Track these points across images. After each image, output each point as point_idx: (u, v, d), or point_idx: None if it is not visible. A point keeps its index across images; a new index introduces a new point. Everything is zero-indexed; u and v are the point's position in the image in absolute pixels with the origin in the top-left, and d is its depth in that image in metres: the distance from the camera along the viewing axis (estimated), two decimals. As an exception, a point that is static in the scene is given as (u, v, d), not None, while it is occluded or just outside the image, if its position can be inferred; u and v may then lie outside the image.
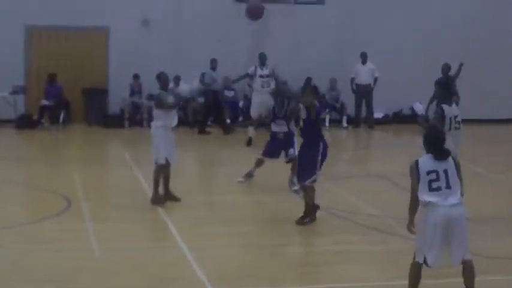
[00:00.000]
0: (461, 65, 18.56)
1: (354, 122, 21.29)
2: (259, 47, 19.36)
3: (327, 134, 11.31)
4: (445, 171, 7.83)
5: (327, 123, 20.64)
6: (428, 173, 7.82)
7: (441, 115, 11.46)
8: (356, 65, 21.11)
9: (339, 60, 21.16)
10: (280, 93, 13.55)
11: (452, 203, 7.78)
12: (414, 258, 7.97)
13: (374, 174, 14.82)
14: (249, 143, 17.54)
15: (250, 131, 17.70)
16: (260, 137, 16.03)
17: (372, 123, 21.16)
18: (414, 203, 7.93)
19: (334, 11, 21.29)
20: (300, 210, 11.12)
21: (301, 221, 11.07)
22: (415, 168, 7.88)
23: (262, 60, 18.19)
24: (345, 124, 21.20)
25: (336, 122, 21.15)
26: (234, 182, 13.46)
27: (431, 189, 7.81)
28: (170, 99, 11.85)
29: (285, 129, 13.14)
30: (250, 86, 18.86)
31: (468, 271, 7.96)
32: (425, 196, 7.81)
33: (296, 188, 12.40)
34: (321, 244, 10.56)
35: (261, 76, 17.97)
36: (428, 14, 21.65)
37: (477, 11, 21.85)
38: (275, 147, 13.33)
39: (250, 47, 20.36)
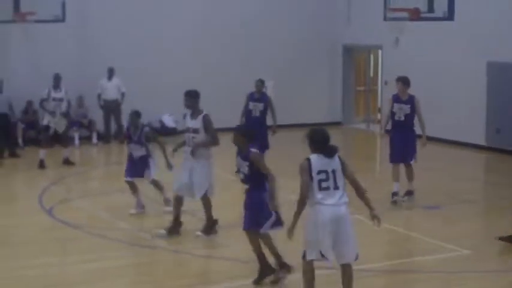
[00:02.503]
0: None
1: (104, 138, 21.25)
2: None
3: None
4: (333, 172, 7.92)
5: (76, 141, 20.46)
6: (319, 172, 7.87)
7: None
8: (102, 81, 21.07)
9: (83, 77, 20.98)
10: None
11: (339, 202, 7.88)
12: (305, 258, 8.00)
13: (127, 189, 14.84)
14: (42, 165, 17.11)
15: (42, 152, 17.16)
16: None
17: (122, 138, 21.18)
18: (302, 204, 7.90)
19: (74, 27, 21.02)
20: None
21: None
22: (307, 167, 7.90)
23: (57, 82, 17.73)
24: (95, 140, 21.10)
25: (86, 139, 20.97)
26: None
27: (321, 189, 7.86)
28: None
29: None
30: (44, 108, 17.97)
31: (346, 275, 8.10)
32: (315, 195, 7.85)
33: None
34: (74, 263, 10.41)
35: (54, 99, 17.53)
36: (165, 21, 22.10)
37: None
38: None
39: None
